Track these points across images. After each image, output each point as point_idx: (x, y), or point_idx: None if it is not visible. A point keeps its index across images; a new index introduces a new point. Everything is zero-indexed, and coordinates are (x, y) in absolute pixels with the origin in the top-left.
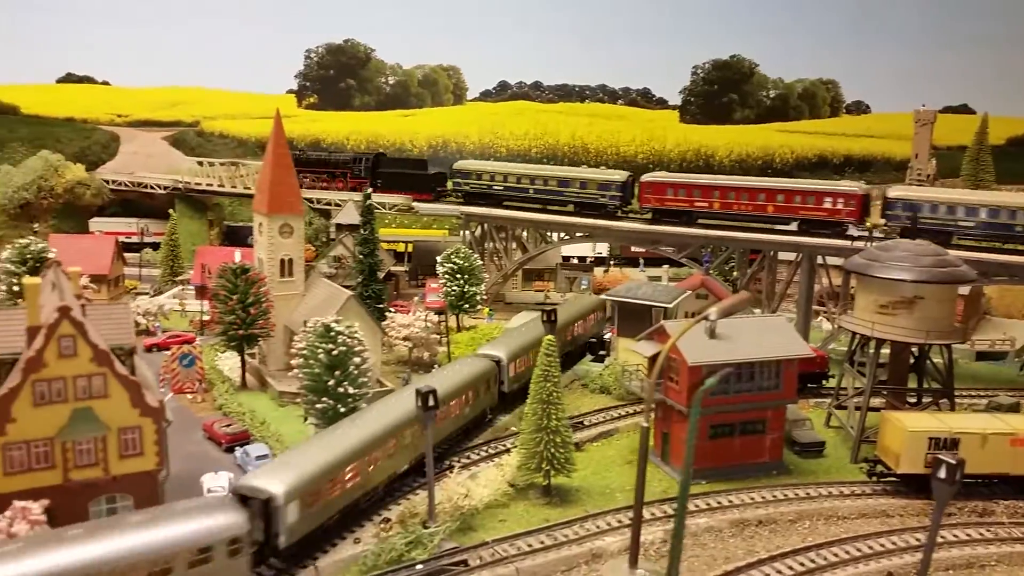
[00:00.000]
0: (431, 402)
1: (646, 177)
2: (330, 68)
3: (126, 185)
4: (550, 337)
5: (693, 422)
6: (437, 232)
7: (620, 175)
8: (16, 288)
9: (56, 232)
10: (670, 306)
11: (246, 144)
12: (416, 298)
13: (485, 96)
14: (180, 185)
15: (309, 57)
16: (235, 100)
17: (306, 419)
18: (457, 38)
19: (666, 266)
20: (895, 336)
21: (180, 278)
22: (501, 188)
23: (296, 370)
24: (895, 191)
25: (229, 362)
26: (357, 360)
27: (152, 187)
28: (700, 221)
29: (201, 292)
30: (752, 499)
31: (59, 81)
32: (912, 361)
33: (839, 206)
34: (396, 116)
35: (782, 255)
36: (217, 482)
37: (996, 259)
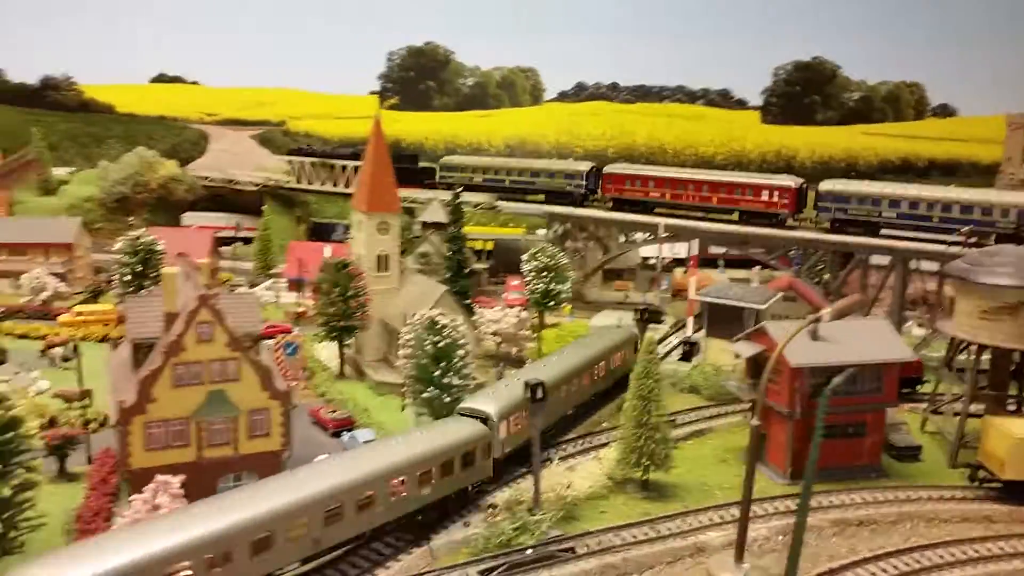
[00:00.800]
0: (539, 394)
1: (608, 168)
2: (411, 70)
3: (217, 182)
4: (651, 336)
5: (820, 421)
6: (515, 231)
7: (584, 166)
8: (128, 278)
9: (150, 225)
10: (764, 307)
11: (330, 143)
12: (504, 295)
13: (562, 97)
14: (270, 182)
15: (391, 59)
16: (319, 101)
17: (404, 408)
18: (535, 40)
19: (757, 268)
20: (998, 342)
21: (273, 271)
22: (481, 180)
23: (403, 360)
24: (825, 185)
25: (325, 352)
26: (461, 352)
27: (243, 184)
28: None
29: (295, 285)
30: (852, 500)
31: (152, 81)
32: (1012, 367)
33: (775, 198)
34: (474, 117)
35: (875, 259)
36: None
37: None
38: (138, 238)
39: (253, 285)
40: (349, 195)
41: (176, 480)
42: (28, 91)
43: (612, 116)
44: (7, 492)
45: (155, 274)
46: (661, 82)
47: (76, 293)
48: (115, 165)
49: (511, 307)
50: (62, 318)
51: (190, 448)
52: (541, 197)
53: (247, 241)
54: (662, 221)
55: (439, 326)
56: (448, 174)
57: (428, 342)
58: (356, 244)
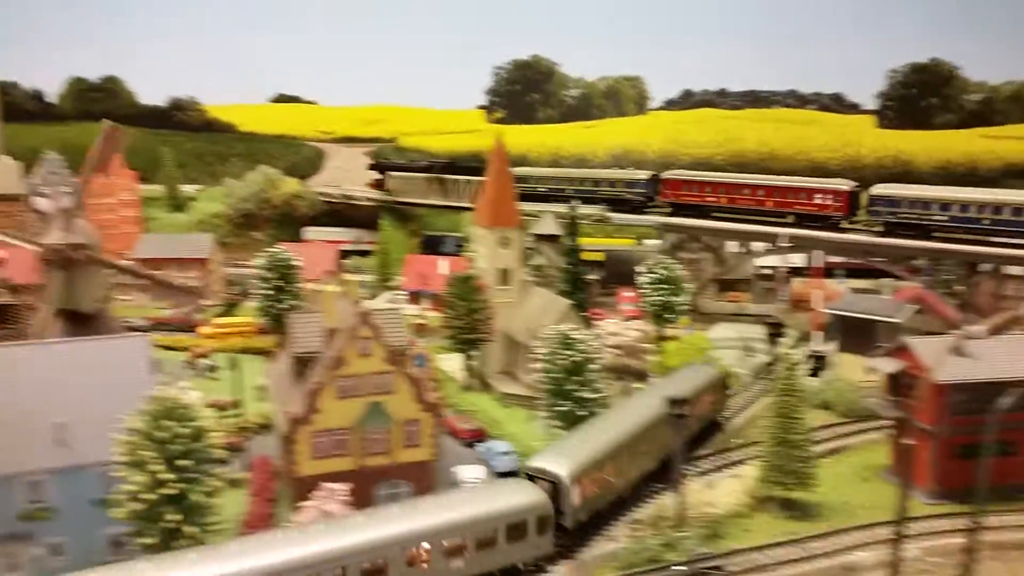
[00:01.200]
0: (681, 410)
1: (665, 175)
2: (516, 83)
3: (335, 197)
4: (789, 353)
5: (989, 440)
6: (625, 241)
7: (644, 174)
8: (269, 292)
9: (275, 240)
10: (901, 321)
11: (438, 158)
12: (618, 306)
13: (669, 105)
14: (387, 198)
15: (497, 73)
16: (429, 117)
17: (536, 420)
18: (641, 49)
19: (887, 279)
20: None
21: (391, 284)
22: (545, 190)
23: (535, 374)
24: (877, 189)
25: (449, 364)
26: (593, 366)
27: (359, 199)
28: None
29: (414, 297)
30: (1008, 522)
31: (272, 101)
32: None
33: (828, 201)
34: (578, 128)
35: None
36: (472, 474)
37: None
38: (276, 254)
39: (373, 297)
40: (459, 208)
41: (343, 488)
42: (157, 113)
43: (719, 123)
44: (200, 497)
45: (293, 288)
46: (771, 87)
47: (213, 306)
48: (240, 183)
49: (628, 319)
50: (203, 330)
51: (351, 457)
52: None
53: (363, 254)
54: (782, 231)
55: (572, 340)
56: (516, 185)
57: (561, 356)
58: (478, 258)
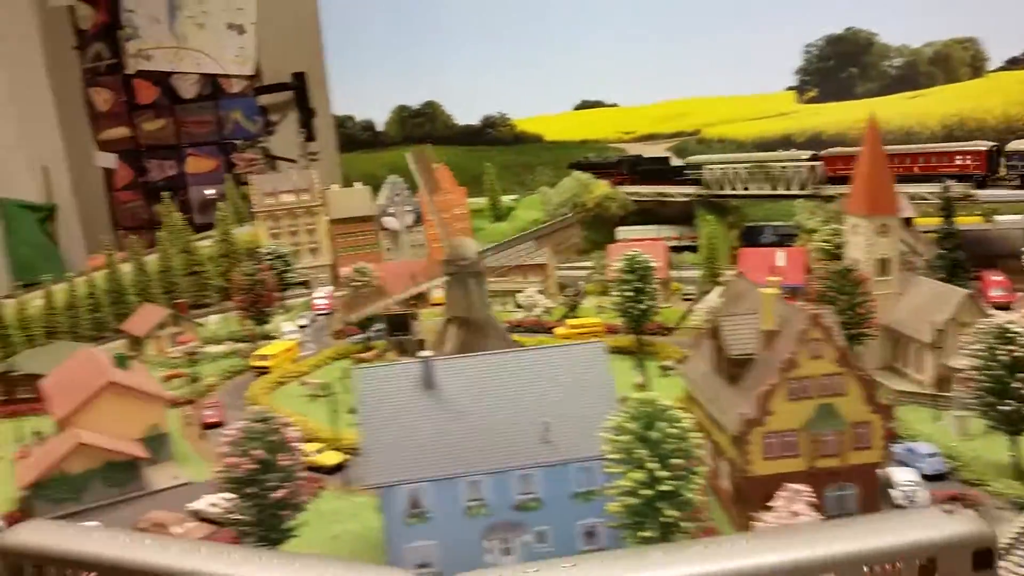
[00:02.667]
0: None
1: (825, 152)
2: (830, 59)
3: (647, 196)
4: None
5: None
6: (972, 219)
7: (805, 154)
8: (629, 293)
9: (588, 242)
10: None
11: (744, 147)
12: (990, 292)
13: (1013, 64)
14: (702, 192)
15: (808, 51)
16: (732, 105)
17: (941, 419)
18: (975, 6)
19: None
20: None
21: (720, 279)
22: (720, 174)
23: (965, 371)
24: (1012, 145)
25: None
26: None
27: (673, 195)
28: None
29: None
30: None
31: (575, 109)
32: None
33: (967, 162)
34: (902, 99)
35: None
36: (906, 477)
37: None
38: (635, 256)
39: (704, 294)
40: (779, 197)
41: (807, 489)
42: (471, 131)
43: None
44: (691, 494)
45: (650, 289)
46: None
47: (557, 308)
48: (555, 190)
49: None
50: (558, 331)
51: (800, 459)
52: None
53: (679, 250)
54: None
55: (1010, 334)
56: (691, 171)
57: (1002, 351)
58: (852, 248)
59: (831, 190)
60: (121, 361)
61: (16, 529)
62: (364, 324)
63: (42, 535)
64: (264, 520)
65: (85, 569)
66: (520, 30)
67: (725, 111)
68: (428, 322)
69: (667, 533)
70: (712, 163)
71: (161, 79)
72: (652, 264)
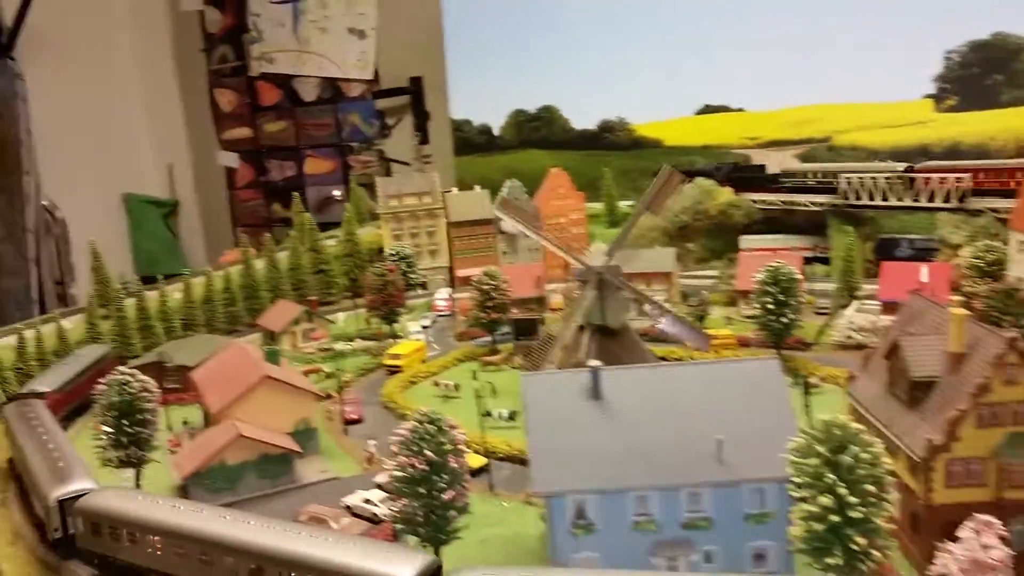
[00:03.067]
0: None
1: (922, 165)
2: (973, 66)
3: (774, 204)
4: None
5: None
6: None
7: (901, 165)
8: (771, 306)
9: (706, 251)
10: None
11: (877, 155)
12: None
13: None
14: (836, 202)
15: (949, 58)
16: (865, 112)
17: None
18: None
19: None
20: None
21: (859, 293)
22: (814, 183)
23: None
24: None
25: None
26: None
27: (804, 205)
28: None
29: (890, 308)
30: None
31: (697, 113)
32: None
33: None
34: None
35: None
36: None
37: None
38: (779, 268)
39: (840, 307)
40: (920, 209)
41: (997, 521)
42: (588, 135)
43: None
44: (881, 523)
45: (794, 302)
46: None
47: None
48: (677, 197)
49: None
50: None
51: (986, 488)
52: None
53: (808, 261)
54: None
55: None
56: (787, 180)
57: None
58: (1016, 266)
59: (978, 204)
60: (272, 356)
61: (95, 494)
62: (490, 327)
63: (119, 500)
64: (432, 521)
65: (151, 533)
66: (642, 33)
67: (858, 118)
68: (553, 327)
69: (853, 560)
70: (808, 172)
71: (283, 82)
72: (797, 276)
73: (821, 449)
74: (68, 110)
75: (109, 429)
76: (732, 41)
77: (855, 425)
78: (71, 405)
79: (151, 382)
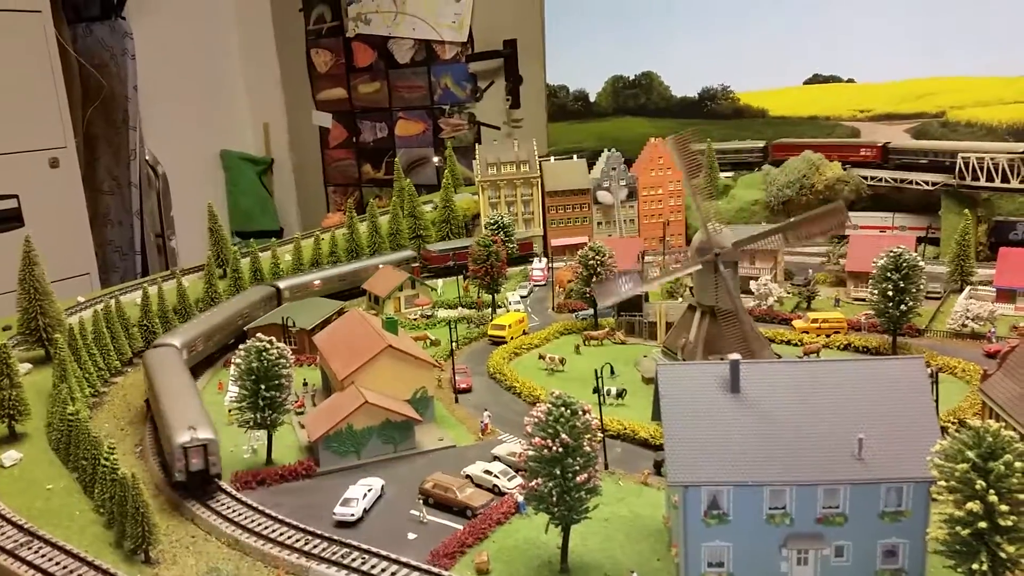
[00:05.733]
0: None
1: None
2: None
3: (884, 181)
4: None
5: None
6: None
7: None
8: (890, 292)
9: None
10: None
11: (995, 131)
12: None
13: None
14: (952, 182)
15: None
16: (984, 86)
17: None
18: None
19: None
20: None
21: (973, 279)
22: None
23: None
24: None
25: None
26: None
27: (918, 182)
28: None
29: (1007, 295)
30: None
31: (805, 83)
32: None
33: None
34: None
35: None
36: None
37: None
38: (902, 253)
39: (952, 292)
40: None
41: None
42: (688, 103)
43: None
44: None
45: (915, 289)
46: None
47: (789, 298)
48: (780, 169)
49: None
50: (797, 323)
51: None
52: None
53: (919, 242)
54: None
55: None
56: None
57: None
58: None
59: None
60: (392, 325)
61: None
62: (594, 302)
63: None
64: (564, 501)
65: None
66: (755, 3)
67: (977, 92)
68: (658, 304)
69: (999, 568)
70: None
71: (378, 43)
72: (920, 263)
73: (971, 455)
74: (170, 68)
75: (247, 393)
76: (844, 6)
77: (1008, 432)
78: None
79: (287, 349)
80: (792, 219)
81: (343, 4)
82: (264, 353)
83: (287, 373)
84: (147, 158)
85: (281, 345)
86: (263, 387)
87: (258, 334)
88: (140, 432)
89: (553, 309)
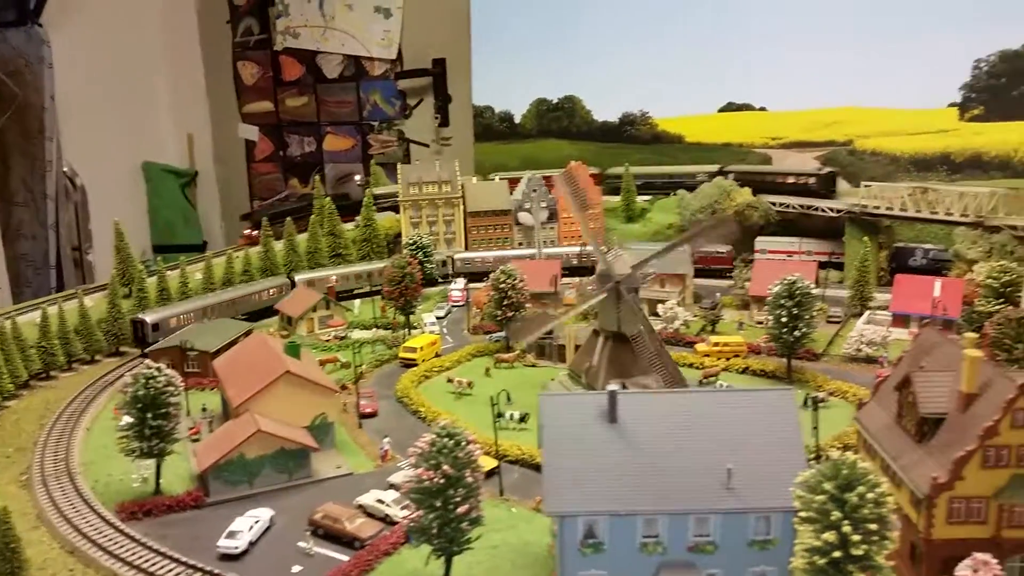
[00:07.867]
0: None
1: None
2: (1002, 76)
3: (793, 207)
4: None
5: None
6: None
7: None
8: (784, 319)
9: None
10: None
11: (898, 161)
12: None
13: None
14: (855, 208)
15: (978, 67)
16: (890, 117)
17: None
18: None
19: None
20: None
21: (872, 304)
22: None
23: None
24: None
25: None
26: None
27: (822, 210)
28: None
29: (901, 320)
30: None
31: (720, 111)
32: None
33: None
34: None
35: None
36: None
37: None
38: (794, 281)
39: (852, 317)
40: (941, 222)
41: (994, 560)
42: (609, 128)
43: None
44: (881, 561)
45: (808, 316)
46: None
47: (695, 321)
48: (693, 194)
49: None
50: (699, 347)
51: (986, 526)
52: None
53: (822, 266)
54: None
55: None
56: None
57: None
58: None
59: (998, 221)
60: (293, 350)
61: None
62: (503, 323)
63: None
64: (445, 532)
65: None
66: (668, 27)
67: (882, 123)
68: (569, 327)
69: None
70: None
71: (307, 57)
72: (813, 291)
73: (828, 486)
74: (91, 77)
75: (133, 421)
76: (758, 39)
77: (863, 464)
78: None
79: (176, 376)
80: (686, 232)
81: (271, 17)
82: (151, 380)
83: (175, 401)
84: (65, 169)
85: (170, 372)
86: (150, 415)
87: (146, 361)
88: (28, 459)
89: (469, 331)
